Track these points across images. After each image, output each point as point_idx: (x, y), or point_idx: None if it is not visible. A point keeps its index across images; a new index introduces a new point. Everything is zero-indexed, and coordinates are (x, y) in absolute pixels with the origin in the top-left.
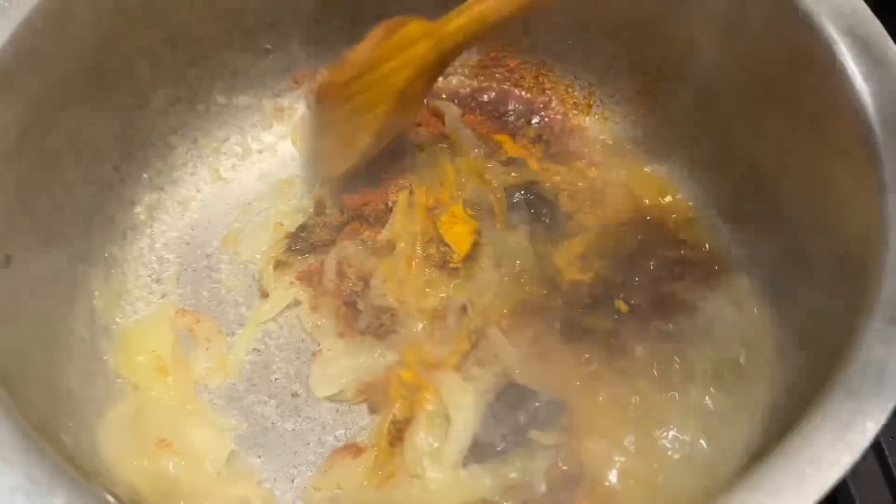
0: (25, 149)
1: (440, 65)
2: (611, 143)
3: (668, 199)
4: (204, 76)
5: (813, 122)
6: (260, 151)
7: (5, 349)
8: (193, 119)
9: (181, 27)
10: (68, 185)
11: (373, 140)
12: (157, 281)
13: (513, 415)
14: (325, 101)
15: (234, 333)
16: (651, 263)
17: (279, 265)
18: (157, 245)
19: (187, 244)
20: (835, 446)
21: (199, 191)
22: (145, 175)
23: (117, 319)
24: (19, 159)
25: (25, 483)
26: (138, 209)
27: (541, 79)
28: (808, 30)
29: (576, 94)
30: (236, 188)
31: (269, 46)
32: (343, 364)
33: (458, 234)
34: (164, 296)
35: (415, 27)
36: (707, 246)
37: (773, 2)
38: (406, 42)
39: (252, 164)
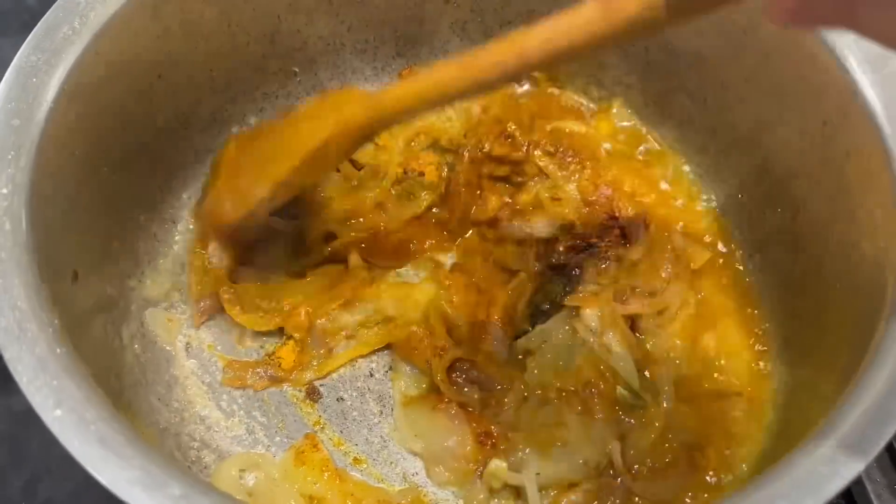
0: (85, 174)
1: (366, 133)
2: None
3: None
4: (238, 98)
5: (822, 127)
6: None
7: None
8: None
9: (219, 51)
10: (121, 206)
11: (269, 193)
12: None
13: None
14: (229, 150)
15: None
16: None
17: None
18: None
19: None
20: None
21: None
22: (185, 195)
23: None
24: (87, 183)
25: (142, 476)
26: (178, 228)
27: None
28: (817, 40)
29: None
30: None
31: (296, 69)
32: None
33: None
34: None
35: (349, 93)
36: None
37: None
38: (336, 105)
39: None
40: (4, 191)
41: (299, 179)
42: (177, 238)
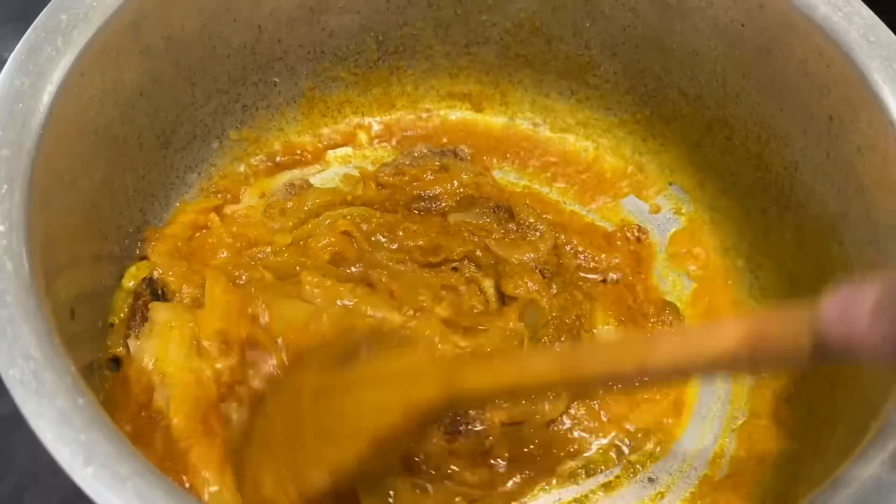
0: (74, 199)
1: (441, 414)
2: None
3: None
4: (217, 112)
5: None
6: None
7: None
8: (208, 155)
9: (200, 64)
10: (103, 232)
11: (331, 480)
12: None
13: None
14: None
15: None
16: None
17: None
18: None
19: None
20: None
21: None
22: (166, 215)
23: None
24: (71, 205)
25: None
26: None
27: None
28: (823, 36)
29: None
30: None
31: (276, 80)
32: None
33: None
34: None
35: (420, 359)
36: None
37: (783, 13)
38: (405, 375)
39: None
40: (1, 228)
41: (365, 466)
42: None
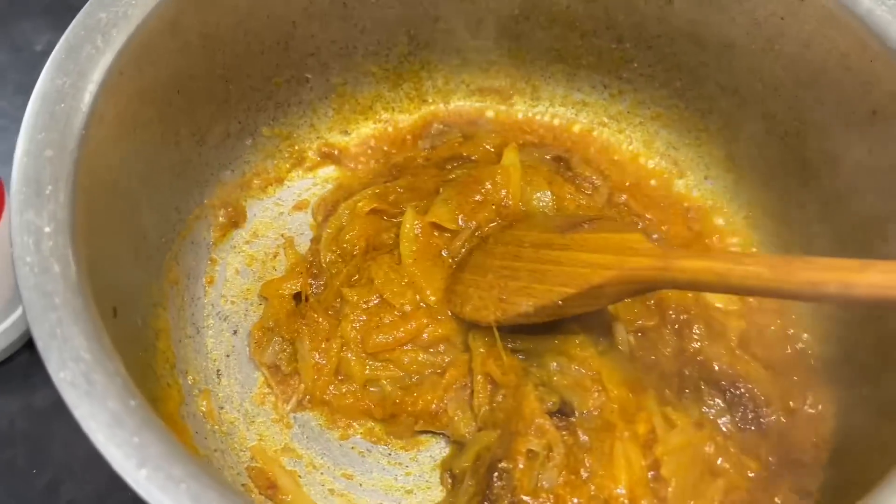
0: (115, 199)
1: (646, 289)
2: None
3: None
4: (251, 109)
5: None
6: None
7: None
8: (242, 153)
9: (235, 62)
10: (143, 229)
11: (532, 312)
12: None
13: None
14: (496, 237)
15: None
16: None
17: None
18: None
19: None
20: None
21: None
22: (198, 212)
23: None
24: (112, 204)
25: None
26: (200, 247)
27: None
28: (866, 30)
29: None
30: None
31: (309, 76)
32: None
33: None
34: (235, 332)
35: (637, 240)
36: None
37: (824, 6)
38: (623, 247)
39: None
40: (48, 229)
41: (564, 309)
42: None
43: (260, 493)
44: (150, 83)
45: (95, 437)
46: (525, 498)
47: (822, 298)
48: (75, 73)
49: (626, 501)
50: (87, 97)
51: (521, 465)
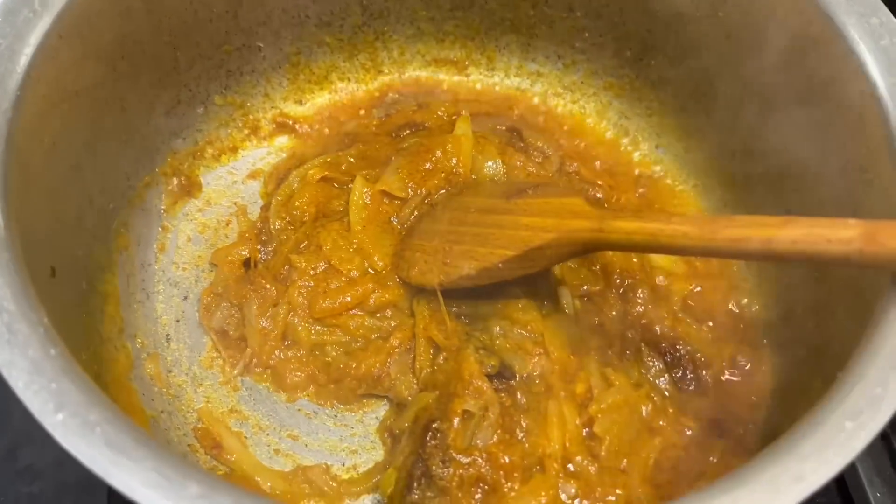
0: (55, 161)
1: (584, 250)
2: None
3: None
4: (201, 77)
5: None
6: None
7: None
8: (194, 121)
9: (182, 28)
10: (88, 193)
11: (474, 275)
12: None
13: None
14: (444, 204)
15: None
16: None
17: None
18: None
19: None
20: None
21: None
22: (147, 178)
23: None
24: (50, 165)
25: (158, 478)
26: (152, 214)
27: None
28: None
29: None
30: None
31: (261, 44)
32: None
33: None
34: (185, 298)
35: (577, 204)
36: None
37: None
38: (563, 211)
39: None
40: None
41: (506, 272)
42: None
43: (206, 453)
44: (92, 48)
45: (15, 384)
46: (457, 456)
47: (748, 255)
48: (11, 36)
49: (559, 458)
50: (24, 60)
51: (455, 425)
